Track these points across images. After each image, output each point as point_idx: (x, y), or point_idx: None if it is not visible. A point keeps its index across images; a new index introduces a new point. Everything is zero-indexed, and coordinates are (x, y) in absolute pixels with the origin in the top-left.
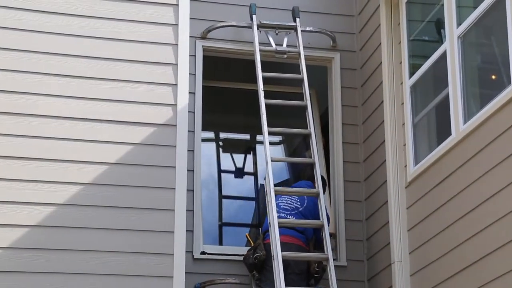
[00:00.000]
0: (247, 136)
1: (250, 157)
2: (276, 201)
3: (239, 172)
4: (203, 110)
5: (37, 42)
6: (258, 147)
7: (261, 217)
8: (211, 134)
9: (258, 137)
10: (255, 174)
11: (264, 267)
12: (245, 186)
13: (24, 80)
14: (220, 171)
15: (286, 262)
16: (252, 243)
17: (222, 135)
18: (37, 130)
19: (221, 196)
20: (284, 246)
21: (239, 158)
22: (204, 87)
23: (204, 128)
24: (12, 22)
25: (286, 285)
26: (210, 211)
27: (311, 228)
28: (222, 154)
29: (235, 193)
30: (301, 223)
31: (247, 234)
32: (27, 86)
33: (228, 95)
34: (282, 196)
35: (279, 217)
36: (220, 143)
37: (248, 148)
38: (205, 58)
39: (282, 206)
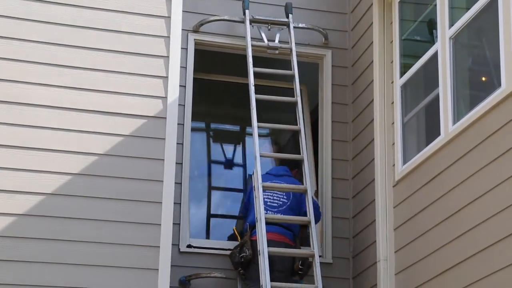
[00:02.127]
0: (236, 128)
1: (239, 149)
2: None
3: (228, 164)
4: (193, 101)
5: (27, 30)
6: (247, 139)
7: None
8: (201, 124)
9: (248, 129)
10: (243, 166)
11: (251, 264)
12: (233, 178)
13: (14, 68)
14: (210, 163)
15: (271, 259)
16: (239, 238)
17: (213, 125)
18: (26, 119)
19: (211, 188)
20: (272, 244)
21: (228, 149)
22: (195, 79)
23: (194, 118)
24: (2, 10)
25: (270, 281)
26: (197, 204)
27: (298, 224)
28: (212, 146)
29: (223, 185)
30: (289, 219)
31: (234, 227)
32: (17, 74)
33: (220, 88)
34: (267, 191)
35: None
36: (211, 133)
37: (238, 140)
38: (196, 51)
39: (268, 203)
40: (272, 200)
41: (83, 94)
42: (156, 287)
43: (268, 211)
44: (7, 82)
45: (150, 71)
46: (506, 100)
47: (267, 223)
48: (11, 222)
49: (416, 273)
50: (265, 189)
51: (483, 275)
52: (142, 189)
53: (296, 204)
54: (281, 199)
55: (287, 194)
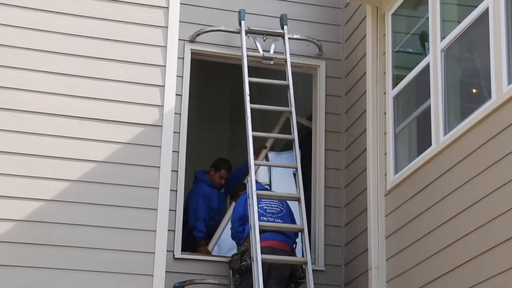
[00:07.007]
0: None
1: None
2: (259, 204)
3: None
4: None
5: (27, 39)
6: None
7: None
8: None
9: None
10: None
11: (248, 271)
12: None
13: (13, 76)
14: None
15: (270, 267)
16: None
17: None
18: (25, 126)
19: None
20: (273, 251)
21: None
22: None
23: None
24: (2, 18)
25: None
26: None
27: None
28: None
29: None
30: (282, 227)
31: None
32: (16, 82)
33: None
34: (264, 200)
35: (266, 220)
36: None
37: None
38: (193, 61)
39: (268, 210)
40: (270, 207)
41: (80, 102)
42: None
43: (268, 217)
44: (7, 89)
45: (147, 80)
46: (496, 112)
47: (268, 231)
48: (10, 228)
49: (407, 281)
50: (259, 197)
51: (474, 283)
52: (138, 196)
53: (290, 213)
54: (278, 206)
55: (281, 201)
